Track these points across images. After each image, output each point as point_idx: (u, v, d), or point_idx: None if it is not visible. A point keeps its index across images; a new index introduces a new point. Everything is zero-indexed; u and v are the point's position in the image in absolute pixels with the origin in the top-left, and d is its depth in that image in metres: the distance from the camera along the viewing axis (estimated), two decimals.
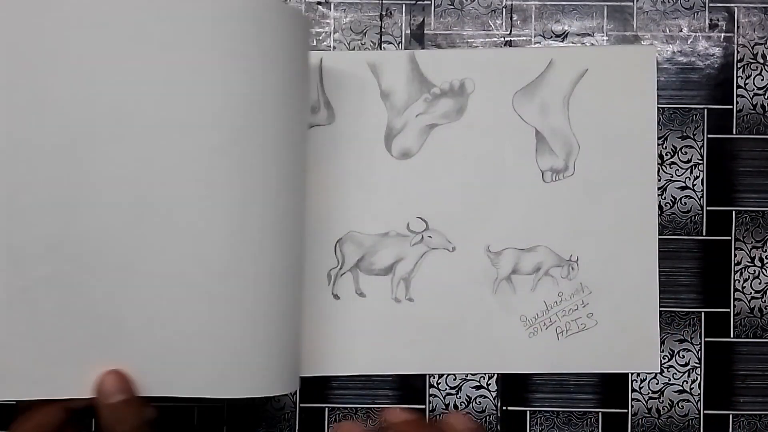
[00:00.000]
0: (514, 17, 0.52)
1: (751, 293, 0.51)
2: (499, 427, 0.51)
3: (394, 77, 0.51)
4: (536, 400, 0.51)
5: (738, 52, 0.52)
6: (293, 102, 0.43)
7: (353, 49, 0.51)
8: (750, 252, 0.51)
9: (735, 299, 0.51)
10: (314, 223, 0.50)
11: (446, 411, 0.50)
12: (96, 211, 0.40)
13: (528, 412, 0.51)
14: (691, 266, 0.51)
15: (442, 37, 0.52)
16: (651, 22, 0.52)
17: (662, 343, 0.51)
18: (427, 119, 0.51)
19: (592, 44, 0.52)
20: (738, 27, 0.52)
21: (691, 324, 0.51)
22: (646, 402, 0.51)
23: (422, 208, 0.51)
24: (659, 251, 0.51)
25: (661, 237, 0.51)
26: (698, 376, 0.51)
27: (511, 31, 0.52)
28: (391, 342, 0.50)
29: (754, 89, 0.51)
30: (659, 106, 0.51)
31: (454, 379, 0.51)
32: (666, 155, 0.51)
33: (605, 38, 0.52)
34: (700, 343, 0.51)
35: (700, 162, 0.51)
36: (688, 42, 0.52)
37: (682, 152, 0.51)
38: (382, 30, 0.52)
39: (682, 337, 0.51)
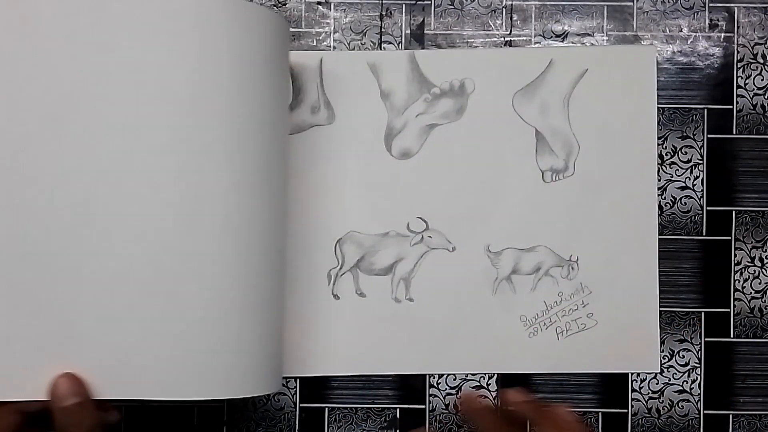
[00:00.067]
0: (514, 17, 0.52)
1: (751, 293, 0.51)
2: None
3: (394, 77, 0.51)
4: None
5: (738, 52, 0.52)
6: (270, 102, 0.43)
7: (353, 49, 0.51)
8: (750, 252, 0.51)
9: (735, 299, 0.51)
10: (314, 223, 0.50)
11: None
12: (48, 211, 0.39)
13: None
14: (691, 266, 0.51)
15: (442, 37, 0.52)
16: (651, 22, 0.52)
17: (662, 343, 0.51)
18: (427, 119, 0.51)
19: (592, 44, 0.52)
20: (738, 27, 0.52)
21: (691, 324, 0.51)
22: (646, 402, 0.51)
23: (422, 208, 0.51)
24: (659, 251, 0.51)
25: (661, 237, 0.51)
26: (698, 376, 0.51)
27: (511, 31, 0.52)
28: (391, 342, 0.50)
29: (754, 89, 0.51)
30: (659, 106, 0.51)
31: (454, 379, 0.51)
32: (666, 155, 0.51)
33: (605, 38, 0.52)
34: (700, 343, 0.51)
35: (700, 162, 0.51)
36: (688, 42, 0.52)
37: (682, 152, 0.51)
38: (382, 30, 0.52)
39: (682, 337, 0.51)
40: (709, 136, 0.51)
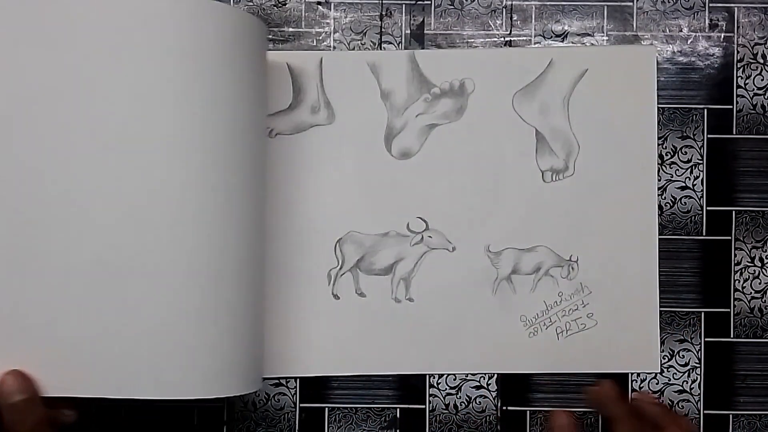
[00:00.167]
0: (514, 17, 0.52)
1: (751, 293, 0.51)
2: (499, 427, 0.51)
3: (394, 77, 0.51)
4: (536, 400, 0.51)
5: (738, 52, 0.52)
6: (246, 103, 0.43)
7: (353, 49, 0.51)
8: (750, 252, 0.51)
9: (735, 299, 0.51)
10: (314, 223, 0.50)
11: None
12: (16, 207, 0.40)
13: (528, 412, 0.51)
14: (691, 266, 0.51)
15: (442, 37, 0.52)
16: (651, 22, 0.52)
17: (662, 343, 0.51)
18: (427, 119, 0.51)
19: (592, 44, 0.52)
20: (738, 27, 0.52)
21: (691, 324, 0.51)
22: None
23: (422, 208, 0.51)
24: (659, 251, 0.51)
25: (661, 237, 0.51)
26: (698, 376, 0.51)
27: (511, 31, 0.52)
28: (391, 342, 0.50)
29: (754, 89, 0.51)
30: (659, 106, 0.51)
31: (454, 379, 0.51)
32: (666, 155, 0.51)
33: (605, 38, 0.52)
34: (700, 343, 0.51)
35: (700, 162, 0.51)
36: (688, 42, 0.52)
37: (682, 152, 0.51)
38: (382, 30, 0.52)
39: (682, 337, 0.51)
40: (709, 136, 0.51)
